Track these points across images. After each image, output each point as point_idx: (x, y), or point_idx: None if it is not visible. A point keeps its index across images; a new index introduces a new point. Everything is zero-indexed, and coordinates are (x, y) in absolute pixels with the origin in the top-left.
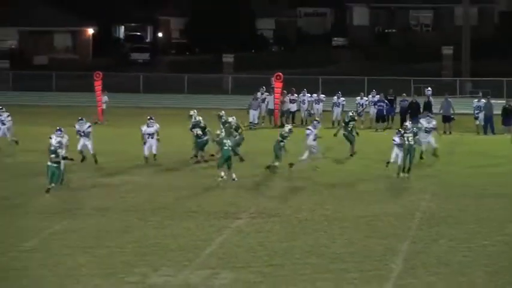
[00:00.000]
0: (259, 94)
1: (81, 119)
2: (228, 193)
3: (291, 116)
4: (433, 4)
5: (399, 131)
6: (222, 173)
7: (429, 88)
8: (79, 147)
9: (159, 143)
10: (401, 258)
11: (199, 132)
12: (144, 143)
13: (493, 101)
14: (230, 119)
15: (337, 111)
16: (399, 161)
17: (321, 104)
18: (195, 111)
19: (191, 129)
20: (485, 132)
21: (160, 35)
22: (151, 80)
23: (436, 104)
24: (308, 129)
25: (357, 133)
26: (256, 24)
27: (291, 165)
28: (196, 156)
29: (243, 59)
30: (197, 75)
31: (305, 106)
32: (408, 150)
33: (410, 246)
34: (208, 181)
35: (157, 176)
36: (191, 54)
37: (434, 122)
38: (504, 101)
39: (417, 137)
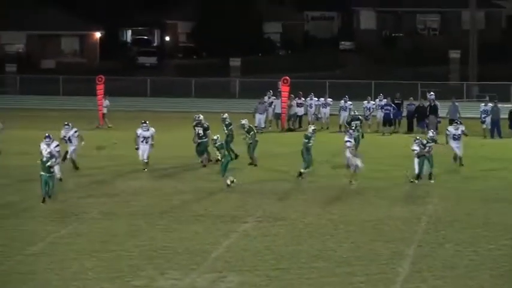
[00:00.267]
0: (266, 98)
1: (67, 125)
2: (235, 197)
3: (298, 119)
4: (440, 8)
5: (417, 139)
6: (230, 179)
7: (432, 92)
8: (68, 155)
9: (152, 148)
10: (407, 262)
11: (201, 131)
12: (137, 149)
13: (500, 105)
14: (243, 122)
15: (344, 115)
16: (423, 169)
17: (328, 107)
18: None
19: (194, 127)
20: (492, 136)
21: (167, 38)
22: (159, 84)
23: (443, 108)
24: (348, 141)
25: (363, 135)
26: (264, 28)
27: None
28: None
29: (250, 62)
30: (204, 79)
31: (312, 110)
32: (427, 159)
33: (417, 250)
34: (214, 185)
35: (163, 180)
36: (198, 58)
37: (462, 128)
38: (511, 105)
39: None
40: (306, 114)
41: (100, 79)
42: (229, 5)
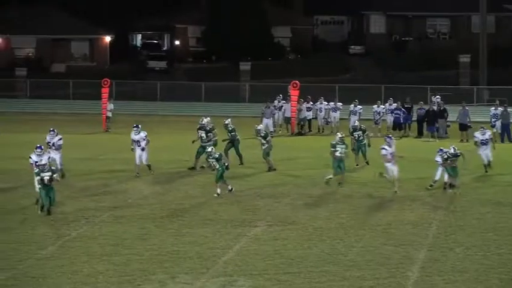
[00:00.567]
0: (276, 102)
1: (52, 131)
2: (245, 201)
3: (307, 123)
4: (450, 12)
5: (441, 150)
6: (219, 190)
7: (438, 96)
8: (59, 165)
9: (144, 151)
10: (417, 266)
11: (203, 135)
12: (132, 150)
13: (510, 109)
14: (259, 127)
15: (354, 119)
16: (445, 178)
17: (338, 112)
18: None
19: (197, 130)
20: (502, 140)
21: (177, 43)
22: (169, 88)
23: (453, 113)
24: (383, 148)
25: (369, 144)
26: (273, 32)
27: (380, 174)
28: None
29: (260, 67)
30: (214, 83)
31: (322, 114)
32: (449, 169)
33: (427, 254)
34: (224, 190)
35: (174, 184)
36: (208, 62)
37: (489, 133)
38: None
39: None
40: (315, 118)
41: (106, 82)
42: (239, 10)
